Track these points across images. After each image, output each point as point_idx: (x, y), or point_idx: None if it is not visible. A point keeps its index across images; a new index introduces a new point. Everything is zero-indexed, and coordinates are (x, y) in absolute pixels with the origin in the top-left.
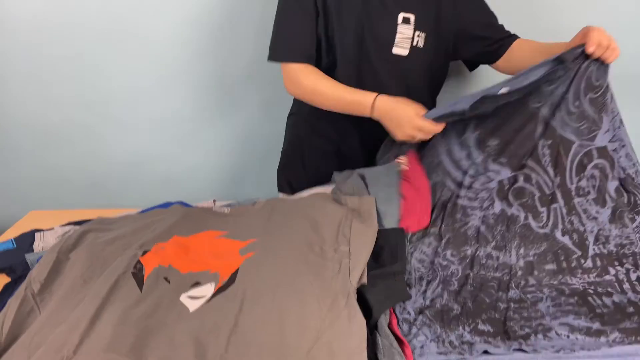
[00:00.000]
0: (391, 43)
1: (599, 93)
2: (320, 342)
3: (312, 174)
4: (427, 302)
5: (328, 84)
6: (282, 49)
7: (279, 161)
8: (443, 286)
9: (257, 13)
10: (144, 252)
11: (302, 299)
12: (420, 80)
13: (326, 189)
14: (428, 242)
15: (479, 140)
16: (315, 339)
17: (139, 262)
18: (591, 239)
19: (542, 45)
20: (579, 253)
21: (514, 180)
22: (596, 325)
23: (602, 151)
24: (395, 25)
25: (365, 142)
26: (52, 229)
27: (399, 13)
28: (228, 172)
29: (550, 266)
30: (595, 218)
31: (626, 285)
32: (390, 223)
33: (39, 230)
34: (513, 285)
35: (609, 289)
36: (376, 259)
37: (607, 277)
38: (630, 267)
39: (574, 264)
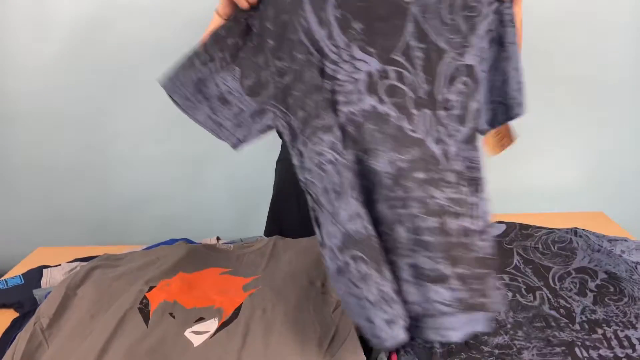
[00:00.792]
0: None
1: (473, 14)
2: None
3: (306, 217)
4: None
5: None
6: None
7: (269, 210)
8: None
9: None
10: (150, 288)
11: (304, 334)
12: None
13: None
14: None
15: (340, 19)
16: None
17: (145, 297)
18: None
19: None
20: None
21: (385, 74)
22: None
23: (470, 69)
24: None
25: None
26: (59, 265)
27: None
28: (231, 210)
29: (421, 175)
30: (454, 135)
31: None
32: None
33: (46, 267)
34: (378, 198)
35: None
36: None
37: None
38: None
39: (437, 176)
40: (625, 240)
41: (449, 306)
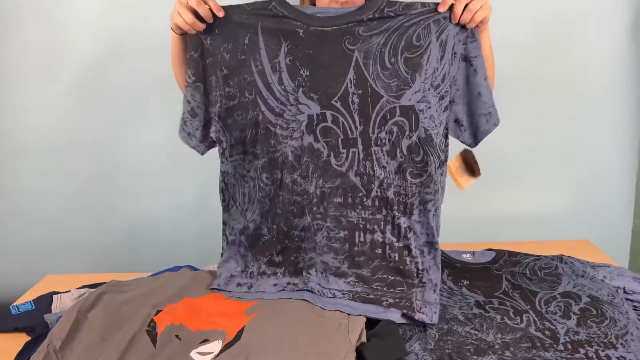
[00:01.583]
0: None
1: (417, 54)
2: None
3: None
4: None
5: None
6: None
7: None
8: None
9: None
10: (157, 312)
11: (304, 355)
12: None
13: None
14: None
15: (290, 66)
16: None
17: (152, 320)
18: (376, 183)
19: None
20: (364, 192)
21: (323, 118)
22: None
23: (406, 110)
24: None
25: None
26: (69, 291)
27: None
28: None
29: (339, 199)
30: (384, 167)
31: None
32: None
33: (56, 293)
34: (306, 211)
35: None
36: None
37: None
38: (397, 213)
39: (357, 200)
40: (608, 266)
41: (344, 295)
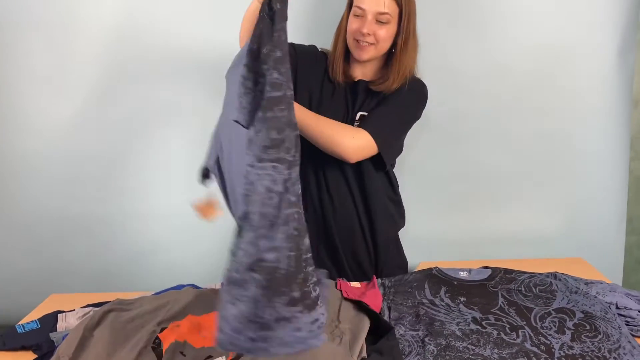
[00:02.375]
0: None
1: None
2: None
3: None
4: None
5: None
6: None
7: None
8: None
9: None
10: (162, 329)
11: None
12: None
13: None
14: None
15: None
16: None
17: (157, 337)
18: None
19: None
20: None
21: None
22: None
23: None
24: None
25: None
26: (74, 310)
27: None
28: None
29: None
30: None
31: None
32: None
33: (61, 312)
34: None
35: None
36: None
37: None
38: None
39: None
40: (601, 282)
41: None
